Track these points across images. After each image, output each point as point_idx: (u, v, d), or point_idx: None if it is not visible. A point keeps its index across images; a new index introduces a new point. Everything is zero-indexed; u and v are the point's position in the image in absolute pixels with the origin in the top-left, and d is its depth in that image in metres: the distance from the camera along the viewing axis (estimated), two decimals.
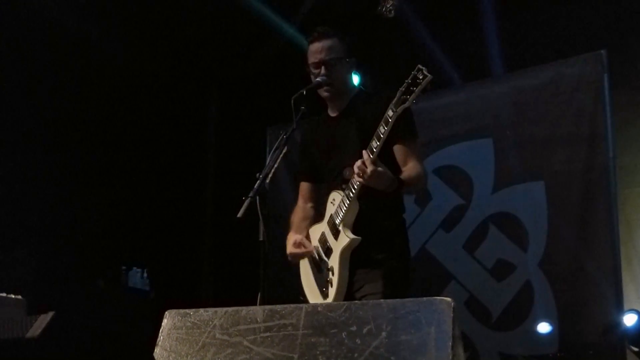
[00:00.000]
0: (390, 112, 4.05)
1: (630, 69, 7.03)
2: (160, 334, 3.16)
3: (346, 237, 4.36)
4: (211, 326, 3.05)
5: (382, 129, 4.09)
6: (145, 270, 8.04)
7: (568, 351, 6.57)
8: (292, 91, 4.45)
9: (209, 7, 8.08)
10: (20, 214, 7.16)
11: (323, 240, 4.56)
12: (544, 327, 6.78)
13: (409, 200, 4.92)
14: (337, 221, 4.41)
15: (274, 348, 2.87)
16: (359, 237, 4.35)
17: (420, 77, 3.93)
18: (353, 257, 4.41)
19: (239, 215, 3.89)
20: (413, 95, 3.96)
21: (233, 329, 3.00)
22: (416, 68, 3.98)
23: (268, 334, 2.91)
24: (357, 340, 2.74)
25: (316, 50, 4.68)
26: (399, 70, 4.18)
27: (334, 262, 4.43)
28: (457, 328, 2.64)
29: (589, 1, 7.31)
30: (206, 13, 8.15)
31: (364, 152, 4.14)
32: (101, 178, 8.03)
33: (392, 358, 2.65)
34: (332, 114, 4.80)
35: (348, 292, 4.43)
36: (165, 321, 3.19)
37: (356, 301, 3.42)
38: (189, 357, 3.03)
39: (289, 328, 2.88)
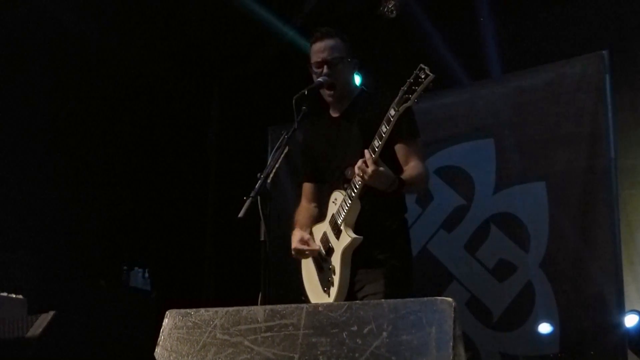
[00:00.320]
0: (392, 112, 4.06)
1: (632, 69, 7.03)
2: (161, 334, 3.16)
3: (348, 236, 4.36)
4: (212, 326, 3.05)
5: (384, 128, 4.09)
6: (146, 270, 8.04)
7: (569, 352, 6.57)
8: (294, 91, 4.45)
9: (211, 8, 8.08)
10: (21, 214, 7.16)
11: (325, 239, 4.56)
12: (545, 328, 6.78)
13: (410, 201, 4.90)
14: (339, 221, 4.41)
15: (274, 348, 2.87)
16: (361, 237, 4.35)
17: (423, 76, 3.94)
18: (354, 257, 4.41)
19: (240, 215, 3.89)
20: (415, 95, 3.96)
21: (234, 329, 2.99)
22: (418, 67, 3.98)
23: (269, 333, 2.91)
24: (358, 340, 2.73)
25: (318, 49, 4.68)
26: (401, 71, 4.18)
27: (335, 261, 4.44)
28: (458, 328, 2.64)
29: (591, 2, 7.30)
30: (207, 13, 8.15)
31: (365, 151, 4.14)
32: (103, 178, 8.04)
33: (393, 358, 2.65)
34: (334, 114, 4.81)
35: (349, 291, 4.43)
36: (166, 321, 3.19)
37: (357, 301, 3.42)
38: (189, 356, 3.03)
39: (290, 328, 2.88)
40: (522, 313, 6.92)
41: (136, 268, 7.98)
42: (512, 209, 7.13)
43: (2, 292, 5.22)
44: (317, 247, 4.62)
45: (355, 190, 4.29)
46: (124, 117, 8.27)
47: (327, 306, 2.91)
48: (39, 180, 7.33)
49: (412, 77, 3.99)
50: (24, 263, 6.92)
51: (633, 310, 6.51)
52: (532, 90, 7.14)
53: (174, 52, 8.66)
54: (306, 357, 2.80)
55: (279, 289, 5.05)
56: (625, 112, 6.92)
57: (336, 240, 4.45)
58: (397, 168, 4.41)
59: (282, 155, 4.22)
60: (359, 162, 4.13)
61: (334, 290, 4.42)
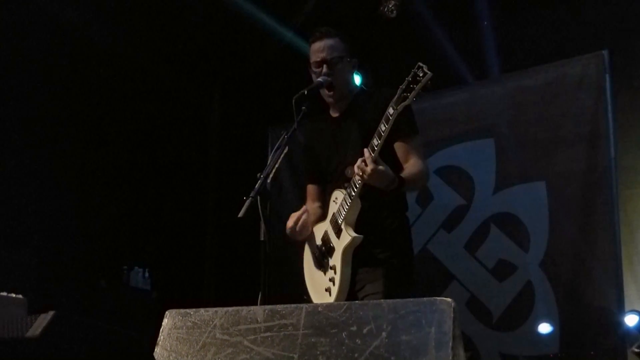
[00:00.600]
0: (390, 110, 4.06)
1: (632, 69, 7.02)
2: (160, 334, 3.16)
3: (348, 235, 4.37)
4: (211, 326, 3.05)
5: (383, 127, 4.10)
6: (146, 270, 8.04)
7: (569, 352, 6.57)
8: (294, 91, 4.46)
9: (211, 9, 8.07)
10: (22, 214, 7.16)
11: (326, 238, 4.57)
12: (545, 328, 6.78)
13: (410, 200, 4.91)
14: (340, 220, 4.42)
15: (274, 348, 2.87)
16: (361, 236, 4.36)
17: (421, 75, 3.94)
18: (355, 256, 4.42)
19: (240, 215, 3.89)
20: (413, 93, 3.97)
21: (233, 329, 3.00)
22: (416, 66, 3.99)
23: (268, 333, 2.92)
24: (357, 341, 2.74)
25: (318, 49, 4.69)
26: (401, 70, 4.18)
27: (336, 260, 4.44)
28: (457, 328, 2.64)
29: (591, 2, 7.30)
30: (208, 14, 8.15)
31: (364, 150, 4.14)
32: (103, 178, 8.03)
33: (392, 358, 2.65)
34: (334, 114, 4.81)
35: (350, 291, 4.44)
36: (165, 321, 3.20)
37: (356, 301, 3.42)
38: (189, 356, 3.03)
39: (290, 328, 2.88)
40: (522, 313, 6.92)
41: (136, 268, 7.98)
42: (512, 208, 7.13)
43: (2, 291, 5.21)
44: (303, 210, 4.65)
45: (355, 190, 4.30)
46: (124, 118, 8.27)
47: (327, 306, 2.91)
48: (39, 180, 7.32)
49: (410, 75, 3.99)
50: (24, 263, 6.92)
51: (633, 310, 6.50)
52: (532, 90, 7.14)
53: (174, 53, 8.66)
54: (306, 357, 2.80)
55: (279, 289, 5.04)
56: (625, 112, 6.91)
57: (337, 239, 4.46)
58: (397, 166, 4.42)
59: (282, 155, 4.22)
60: (358, 162, 4.14)
61: (335, 290, 4.42)
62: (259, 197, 3.95)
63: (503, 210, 7.17)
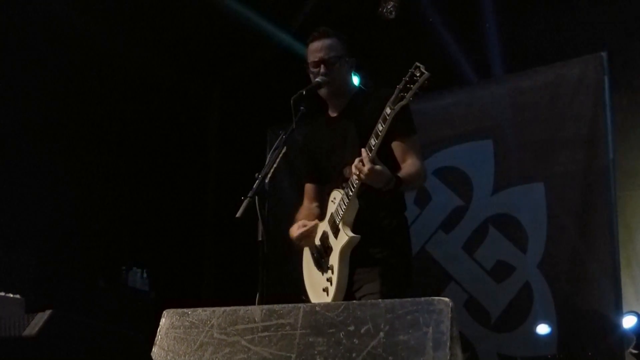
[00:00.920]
0: (388, 110, 4.07)
1: (631, 71, 7.02)
2: (158, 333, 3.16)
3: (346, 235, 4.37)
4: (209, 326, 3.05)
5: (380, 127, 4.10)
6: (144, 270, 8.04)
7: (567, 353, 6.56)
8: (292, 92, 4.46)
9: (210, 10, 8.07)
10: (20, 214, 7.16)
11: (324, 238, 4.57)
12: (543, 329, 6.78)
13: (408, 201, 4.91)
14: (337, 220, 4.42)
15: (271, 348, 2.87)
16: (359, 236, 4.36)
17: (418, 75, 3.94)
18: (353, 256, 4.42)
19: (238, 215, 3.89)
20: (410, 93, 3.97)
21: (231, 329, 3.00)
22: (414, 66, 3.99)
23: (266, 333, 2.92)
24: (355, 340, 2.74)
25: (316, 49, 4.69)
26: (399, 70, 4.18)
27: (334, 260, 4.44)
28: (455, 328, 2.64)
29: (590, 3, 7.30)
30: (207, 15, 8.15)
31: (362, 150, 4.15)
32: (102, 178, 8.03)
33: (390, 358, 2.65)
34: (332, 113, 4.82)
35: (348, 290, 4.44)
36: (163, 320, 3.20)
37: (354, 301, 3.42)
38: (186, 356, 3.03)
39: (287, 328, 2.88)
40: (520, 314, 6.92)
41: (134, 268, 7.98)
42: (510, 210, 7.13)
43: (0, 291, 5.21)
44: (314, 223, 4.64)
45: (353, 189, 4.30)
46: (123, 118, 8.27)
47: (324, 306, 2.91)
48: (37, 180, 7.32)
49: (408, 75, 4.00)
50: (22, 262, 6.92)
51: (631, 312, 6.50)
52: (531, 92, 7.14)
53: (173, 53, 8.66)
54: (303, 357, 2.80)
55: (277, 289, 5.04)
56: (624, 114, 6.92)
57: (335, 239, 4.46)
58: (395, 166, 4.42)
59: (280, 156, 4.22)
60: (356, 161, 4.14)
61: (332, 289, 4.42)
62: (257, 197, 3.95)
63: (501, 212, 7.17)
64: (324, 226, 4.59)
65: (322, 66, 4.63)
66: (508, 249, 7.05)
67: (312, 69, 4.70)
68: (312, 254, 4.67)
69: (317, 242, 4.62)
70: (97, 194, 7.92)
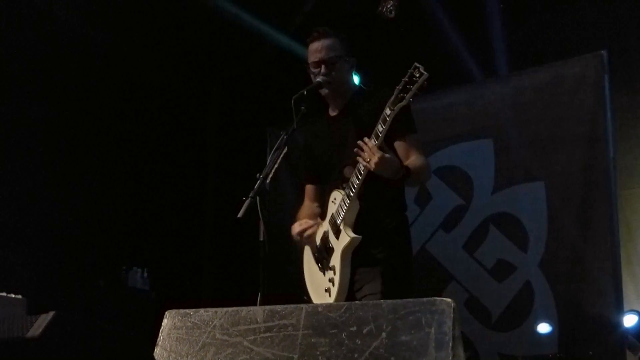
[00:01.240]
0: (387, 111, 4.07)
1: (631, 69, 7.03)
2: (160, 334, 3.16)
3: (347, 236, 4.37)
4: (211, 326, 3.05)
5: (380, 128, 4.11)
6: (145, 270, 8.03)
7: (568, 352, 6.57)
8: (293, 92, 4.46)
9: (209, 10, 8.07)
10: (21, 214, 7.16)
11: (325, 239, 4.57)
12: (543, 328, 6.78)
13: (409, 200, 4.91)
14: (338, 220, 4.42)
15: (274, 348, 2.87)
16: (360, 236, 4.36)
17: (417, 75, 3.95)
18: (354, 256, 4.42)
19: (239, 215, 3.90)
20: (410, 94, 3.98)
21: (233, 329, 3.00)
22: (413, 66, 3.99)
23: (268, 334, 2.92)
24: (357, 341, 2.74)
25: (316, 49, 4.69)
26: (399, 69, 4.18)
27: (335, 261, 4.44)
28: (457, 328, 2.64)
29: (590, 2, 7.30)
30: (206, 15, 8.15)
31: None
32: (102, 177, 8.03)
33: (392, 358, 2.65)
34: (332, 113, 4.82)
35: (349, 291, 4.43)
36: (165, 321, 3.20)
37: (356, 302, 3.42)
38: (189, 357, 3.03)
39: (289, 328, 2.89)
40: (520, 313, 6.92)
41: (135, 268, 7.97)
42: (511, 209, 7.13)
43: (1, 291, 5.21)
44: (316, 221, 4.64)
45: (354, 189, 4.30)
46: (123, 118, 8.27)
47: (327, 307, 2.91)
48: (37, 179, 7.32)
49: (407, 76, 4.00)
50: (23, 263, 6.91)
51: (631, 310, 6.51)
52: (531, 91, 7.14)
53: (172, 53, 8.66)
54: (305, 358, 2.80)
55: (279, 289, 5.05)
56: (624, 113, 6.92)
57: (336, 239, 4.46)
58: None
59: (282, 156, 4.23)
60: (364, 151, 4.12)
61: (334, 290, 4.42)
62: (258, 198, 3.95)
63: (502, 211, 7.17)
64: (324, 226, 4.59)
65: (322, 66, 4.63)
66: (509, 248, 7.05)
67: (312, 69, 4.70)
68: (313, 254, 4.67)
69: (318, 242, 4.61)
70: (97, 194, 7.92)
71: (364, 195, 4.36)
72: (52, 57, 7.52)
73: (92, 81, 7.96)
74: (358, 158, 4.18)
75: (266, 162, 4.25)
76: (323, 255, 4.56)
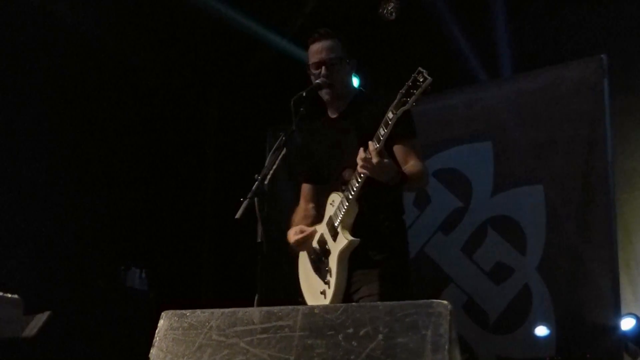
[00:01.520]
0: (390, 114, 4.06)
1: (631, 73, 7.03)
2: (156, 335, 3.15)
3: (345, 238, 4.36)
4: (208, 327, 3.04)
5: (382, 131, 4.10)
6: (143, 271, 8.03)
7: (565, 354, 6.57)
8: (293, 92, 4.46)
9: (210, 11, 8.08)
10: (18, 214, 7.16)
11: (322, 241, 4.56)
12: (541, 331, 6.79)
13: (407, 203, 4.92)
14: (336, 223, 4.41)
15: (270, 350, 2.87)
16: (358, 239, 4.35)
17: (421, 80, 3.94)
18: (351, 258, 4.41)
19: (237, 216, 3.90)
20: (413, 98, 3.96)
21: (230, 330, 2.99)
22: (417, 71, 3.98)
23: (265, 335, 2.91)
24: (353, 343, 2.73)
25: (316, 50, 4.68)
26: (399, 72, 4.18)
27: (332, 263, 4.43)
28: (454, 331, 2.64)
29: (590, 6, 7.30)
30: (207, 17, 8.15)
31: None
32: (101, 178, 8.03)
33: None
34: (332, 115, 4.81)
35: (346, 293, 4.43)
36: (161, 322, 3.19)
37: (353, 303, 3.42)
38: (185, 358, 3.02)
39: (286, 330, 2.88)
40: (518, 316, 6.93)
41: (133, 268, 7.97)
42: (509, 211, 7.14)
43: None
44: (312, 230, 4.63)
45: (353, 192, 4.29)
46: (123, 119, 8.28)
47: (323, 308, 2.91)
48: (35, 180, 7.33)
49: (411, 80, 3.98)
50: (20, 262, 6.92)
51: (629, 314, 6.51)
52: (531, 94, 7.16)
53: (172, 54, 8.66)
54: (302, 359, 2.80)
55: (276, 291, 5.06)
56: (623, 116, 6.93)
57: (333, 242, 4.45)
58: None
59: (280, 157, 4.22)
60: (361, 154, 4.12)
61: (330, 292, 4.41)
62: (256, 199, 3.95)
63: (500, 213, 7.18)
64: (321, 229, 4.58)
65: (322, 68, 4.62)
66: (507, 251, 7.07)
67: (313, 71, 4.69)
68: (310, 257, 4.66)
69: (315, 244, 4.61)
70: (95, 194, 7.93)
71: (363, 198, 4.35)
72: (48, 56, 7.52)
73: (92, 82, 7.96)
74: (358, 160, 4.17)
75: (265, 163, 4.24)
76: (320, 257, 4.55)
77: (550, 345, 6.72)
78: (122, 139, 8.31)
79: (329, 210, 4.54)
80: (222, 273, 9.17)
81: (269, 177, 4.09)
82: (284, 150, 4.25)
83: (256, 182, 4.03)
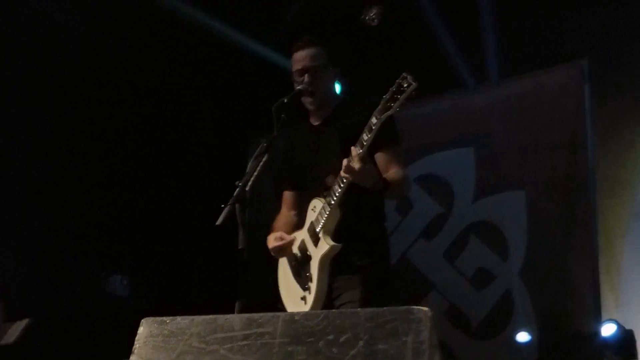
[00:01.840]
0: (374, 120, 4.05)
1: (612, 79, 7.04)
2: (136, 342, 3.13)
3: (326, 244, 4.35)
4: (188, 334, 3.03)
5: (366, 137, 4.09)
6: (125, 277, 8.01)
7: None
8: (275, 99, 4.46)
9: (192, 18, 8.07)
10: None
11: (303, 247, 4.55)
12: (523, 336, 6.81)
13: (389, 209, 4.92)
14: (318, 228, 4.40)
15: (251, 357, 2.86)
16: (340, 245, 4.34)
17: (405, 85, 3.93)
18: (333, 264, 4.40)
19: (218, 223, 3.89)
20: (397, 103, 3.96)
21: (210, 337, 2.98)
22: (401, 76, 3.98)
23: (245, 342, 2.90)
24: (334, 349, 2.73)
25: (300, 58, 4.68)
26: (383, 79, 4.17)
27: (313, 269, 4.43)
28: (434, 337, 2.64)
29: (571, 12, 7.31)
30: (189, 24, 8.14)
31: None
32: (82, 184, 7.99)
33: None
34: (315, 122, 4.80)
35: (327, 299, 4.42)
36: (141, 329, 3.17)
37: (334, 310, 3.42)
38: None
39: (267, 337, 2.87)
40: (500, 321, 6.94)
41: (114, 274, 7.95)
42: (491, 217, 7.16)
43: None
44: (292, 237, 4.62)
45: (335, 198, 4.29)
46: (104, 125, 8.24)
47: (304, 315, 2.90)
48: (15, 185, 7.29)
49: (395, 85, 3.98)
50: (1, 268, 6.88)
51: (610, 320, 6.53)
52: (513, 99, 7.19)
53: (155, 60, 8.63)
54: None
55: (257, 297, 5.05)
56: (604, 122, 6.95)
57: (314, 247, 4.44)
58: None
59: (262, 164, 4.22)
60: (345, 161, 4.12)
61: (310, 298, 4.40)
62: (237, 205, 3.95)
63: (482, 219, 7.20)
64: (302, 234, 4.57)
65: (306, 75, 4.62)
66: (489, 257, 7.08)
67: (296, 78, 4.69)
68: (290, 263, 4.65)
69: (296, 250, 4.60)
70: (77, 200, 7.89)
71: (345, 204, 4.35)
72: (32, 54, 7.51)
73: (69, 90, 7.92)
74: (332, 176, 4.18)
75: (246, 169, 4.24)
76: (300, 263, 4.54)
77: (532, 350, 6.74)
78: (104, 145, 8.28)
79: (310, 216, 4.53)
80: (204, 279, 9.14)
81: (250, 183, 4.08)
82: (266, 157, 4.25)
83: (237, 189, 4.03)
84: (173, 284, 8.99)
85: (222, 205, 3.95)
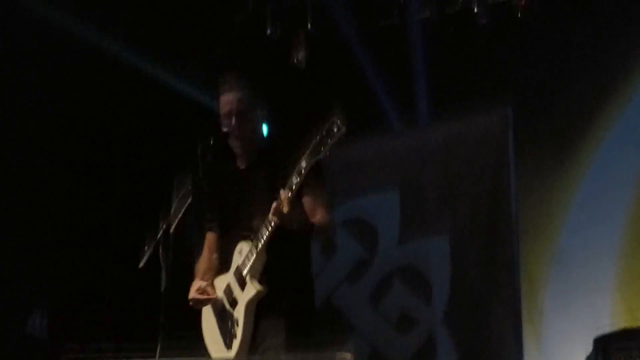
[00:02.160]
0: (303, 163, 4.05)
1: (535, 126, 7.12)
2: None
3: (253, 288, 4.32)
4: None
5: (295, 180, 4.09)
6: (43, 316, 7.83)
7: None
8: (201, 137, 4.43)
9: (117, 56, 8.03)
10: None
11: (228, 291, 4.51)
12: None
13: (314, 252, 4.90)
14: (244, 272, 4.37)
15: None
16: (266, 289, 4.32)
17: (335, 129, 3.94)
18: (257, 307, 4.37)
19: (140, 265, 3.84)
20: (327, 147, 3.96)
21: None
22: (330, 120, 3.98)
23: None
24: None
25: (227, 101, 4.65)
26: (311, 120, 4.16)
27: (239, 313, 4.39)
28: None
29: (497, 58, 7.39)
30: (114, 61, 8.09)
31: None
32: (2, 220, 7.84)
33: None
34: (241, 164, 4.77)
35: (252, 343, 4.38)
36: None
37: (257, 357, 3.37)
38: None
39: None
40: None
41: (34, 312, 7.77)
42: (415, 262, 7.18)
43: None
44: (215, 295, 4.57)
45: (262, 241, 4.27)
46: (26, 161, 8.10)
47: None
48: None
49: (324, 128, 3.98)
50: None
51: None
52: (437, 145, 7.24)
53: (74, 96, 8.52)
54: None
55: (181, 341, 4.98)
56: (527, 168, 7.02)
57: (241, 291, 4.41)
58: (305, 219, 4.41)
59: (186, 205, 4.18)
60: (274, 204, 4.10)
61: (236, 343, 4.36)
62: (160, 247, 3.90)
63: (406, 264, 7.22)
64: (228, 278, 4.53)
65: (233, 118, 4.60)
66: (412, 302, 7.10)
67: (223, 120, 4.66)
68: (214, 308, 4.60)
69: (221, 294, 4.55)
70: None
71: (271, 248, 4.33)
72: None
73: None
74: (259, 220, 4.16)
75: (171, 209, 4.20)
76: (225, 308, 4.49)
77: None
78: (25, 183, 8.12)
79: (237, 260, 4.49)
80: (126, 320, 9.00)
81: (174, 225, 4.04)
82: (190, 198, 4.22)
83: (161, 231, 3.98)
84: (94, 323, 8.84)
85: (145, 248, 3.89)
